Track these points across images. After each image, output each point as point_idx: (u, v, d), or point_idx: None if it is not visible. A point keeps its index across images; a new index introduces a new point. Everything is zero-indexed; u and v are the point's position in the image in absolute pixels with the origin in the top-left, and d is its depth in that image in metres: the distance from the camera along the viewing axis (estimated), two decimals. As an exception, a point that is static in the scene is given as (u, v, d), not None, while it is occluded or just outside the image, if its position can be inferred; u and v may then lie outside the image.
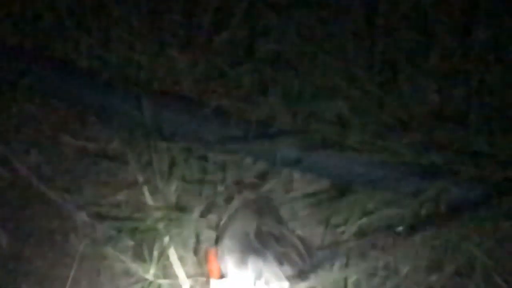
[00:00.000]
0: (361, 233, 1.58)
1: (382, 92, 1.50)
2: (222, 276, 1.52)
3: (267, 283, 1.46)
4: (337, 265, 1.57)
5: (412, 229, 1.57)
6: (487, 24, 1.54)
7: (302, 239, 1.55)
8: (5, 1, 1.58)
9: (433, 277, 1.55)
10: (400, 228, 1.54)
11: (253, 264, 1.46)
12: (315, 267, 1.50)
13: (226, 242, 1.49)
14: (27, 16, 1.62)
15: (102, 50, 1.57)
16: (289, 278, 1.46)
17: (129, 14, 1.59)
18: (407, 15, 1.56)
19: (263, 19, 1.54)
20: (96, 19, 1.59)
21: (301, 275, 1.47)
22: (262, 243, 1.47)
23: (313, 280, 1.48)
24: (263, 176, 1.53)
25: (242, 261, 1.47)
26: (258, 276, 1.46)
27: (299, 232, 1.58)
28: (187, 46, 1.55)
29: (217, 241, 1.52)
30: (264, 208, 1.51)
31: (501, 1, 1.53)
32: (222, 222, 1.50)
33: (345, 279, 1.51)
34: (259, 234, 1.48)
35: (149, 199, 1.52)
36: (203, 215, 1.53)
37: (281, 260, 1.46)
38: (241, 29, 1.54)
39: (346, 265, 1.57)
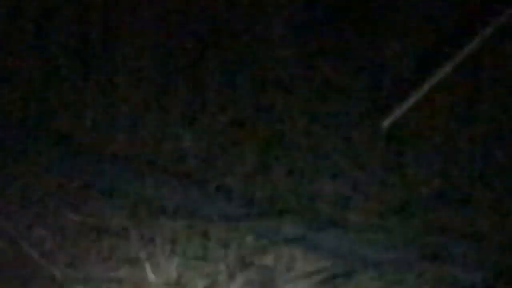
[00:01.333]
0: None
1: (385, 173, 1.50)
2: None
3: None
4: None
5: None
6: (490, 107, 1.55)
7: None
8: (9, 75, 1.59)
9: None
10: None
11: None
12: None
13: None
14: (31, 91, 1.64)
15: (107, 126, 1.57)
16: None
17: (134, 90, 1.60)
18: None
19: (268, 98, 1.55)
20: (101, 95, 1.60)
21: None
22: None
23: None
24: (265, 254, 1.52)
25: None
26: None
27: (300, 312, 1.56)
28: (191, 123, 1.55)
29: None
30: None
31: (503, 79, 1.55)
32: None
33: None
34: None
35: (150, 276, 1.51)
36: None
37: None
38: (245, 107, 1.55)
39: None
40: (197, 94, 1.54)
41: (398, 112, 1.53)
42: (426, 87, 1.56)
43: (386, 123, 1.52)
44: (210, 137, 1.50)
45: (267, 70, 1.54)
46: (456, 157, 1.52)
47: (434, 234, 1.48)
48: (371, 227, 1.46)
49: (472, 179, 1.51)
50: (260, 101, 1.53)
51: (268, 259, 1.59)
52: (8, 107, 1.57)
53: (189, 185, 1.48)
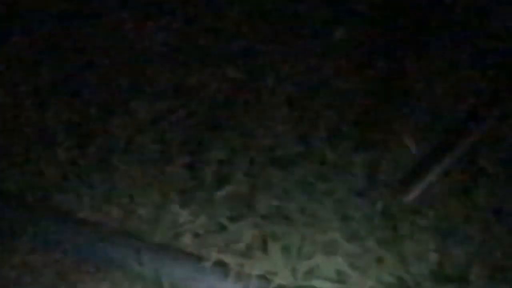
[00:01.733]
0: None
1: (382, 249, 1.50)
2: None
3: None
4: None
5: None
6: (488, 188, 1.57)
7: None
8: (8, 151, 1.61)
9: None
10: None
11: None
12: None
13: None
14: (29, 167, 1.65)
15: (104, 202, 1.58)
16: None
17: (132, 166, 1.62)
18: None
19: (265, 174, 1.57)
20: (98, 171, 1.62)
21: None
22: None
23: None
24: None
25: None
26: None
27: None
28: (188, 199, 1.57)
29: None
30: None
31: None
32: None
33: None
34: None
35: None
36: None
37: None
38: (242, 183, 1.56)
39: None
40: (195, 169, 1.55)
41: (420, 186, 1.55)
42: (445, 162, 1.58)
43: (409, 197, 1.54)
44: (206, 212, 1.50)
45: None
46: (453, 232, 1.52)
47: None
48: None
49: (470, 255, 1.51)
50: (257, 177, 1.54)
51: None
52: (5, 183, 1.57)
53: (186, 262, 1.46)
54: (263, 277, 1.50)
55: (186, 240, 1.55)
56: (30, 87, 1.67)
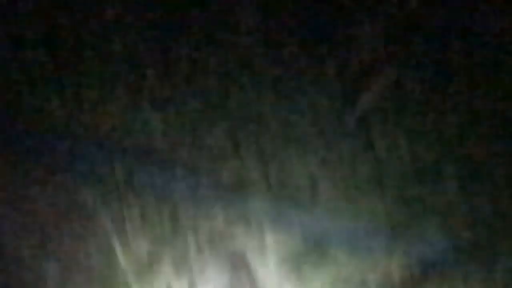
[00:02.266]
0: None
1: (353, 150, 1.50)
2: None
3: None
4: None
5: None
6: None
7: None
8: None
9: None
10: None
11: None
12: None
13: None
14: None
15: (75, 105, 1.56)
16: None
17: (105, 69, 1.58)
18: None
19: (237, 78, 1.55)
20: (68, 75, 1.58)
21: None
22: None
23: None
24: (235, 236, 1.52)
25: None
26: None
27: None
28: (161, 104, 1.54)
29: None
30: (238, 267, 1.50)
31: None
32: (195, 280, 1.49)
33: None
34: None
35: (121, 258, 1.51)
36: (174, 268, 1.50)
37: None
38: (214, 87, 1.54)
39: None
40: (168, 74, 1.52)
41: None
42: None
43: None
44: (180, 119, 1.48)
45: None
46: (425, 135, 1.51)
47: (404, 213, 1.48)
48: (341, 207, 1.46)
49: (441, 155, 1.50)
50: (229, 87, 1.51)
51: (238, 242, 1.58)
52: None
53: (158, 166, 1.45)
54: (235, 181, 1.49)
55: (158, 145, 1.53)
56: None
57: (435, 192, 1.53)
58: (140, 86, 1.55)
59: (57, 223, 1.53)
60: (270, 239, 1.56)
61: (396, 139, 1.52)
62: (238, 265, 1.50)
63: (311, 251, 1.53)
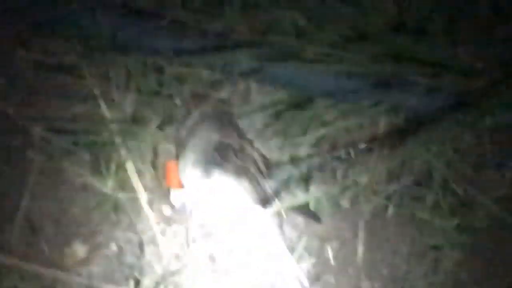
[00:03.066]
0: (319, 145, 1.56)
1: (340, 2, 1.47)
2: (181, 187, 1.50)
3: (226, 195, 1.44)
4: (297, 185, 1.53)
5: (372, 142, 1.54)
6: None
7: (262, 155, 1.52)
8: None
9: (392, 187, 1.53)
10: (362, 145, 1.51)
11: (213, 176, 1.44)
12: (275, 189, 1.47)
13: (187, 154, 1.47)
14: None
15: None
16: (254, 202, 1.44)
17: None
18: None
19: None
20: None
21: (262, 194, 1.44)
22: (222, 156, 1.45)
23: (275, 203, 1.45)
24: (220, 88, 1.50)
25: (203, 173, 1.45)
26: (218, 188, 1.44)
27: (257, 145, 1.55)
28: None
29: (177, 153, 1.50)
30: (224, 121, 1.49)
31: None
32: (181, 135, 1.48)
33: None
34: (219, 147, 1.46)
35: (105, 112, 1.50)
36: (160, 128, 1.50)
37: (239, 173, 1.44)
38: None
39: (306, 183, 1.54)
40: None
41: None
42: None
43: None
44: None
45: None
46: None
47: (390, 62, 1.45)
48: (326, 57, 1.43)
49: (430, 8, 1.47)
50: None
51: (224, 93, 1.57)
52: None
53: (142, 20, 1.43)
54: (220, 34, 1.47)
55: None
56: None
57: (423, 44, 1.48)
58: None
59: (42, 82, 1.51)
60: (254, 91, 1.54)
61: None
62: (224, 119, 1.48)
63: (295, 101, 1.51)
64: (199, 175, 1.41)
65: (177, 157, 1.48)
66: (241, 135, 1.51)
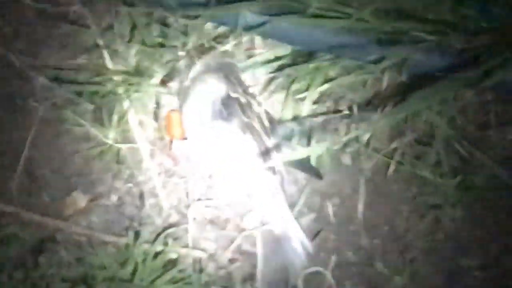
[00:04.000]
0: (322, 100, 1.55)
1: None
2: (184, 138, 1.50)
3: (229, 147, 1.44)
4: (299, 141, 1.52)
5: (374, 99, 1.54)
6: None
7: (265, 110, 1.52)
8: None
9: (394, 144, 1.53)
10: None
11: (218, 129, 1.44)
12: (278, 144, 1.47)
13: (191, 105, 1.47)
14: None
15: None
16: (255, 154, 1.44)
17: None
18: None
19: None
20: None
21: (264, 150, 1.44)
22: (229, 110, 1.44)
23: (277, 158, 1.45)
24: (224, 41, 1.50)
25: (207, 125, 1.44)
26: (222, 140, 1.44)
27: (260, 99, 1.54)
28: None
29: (180, 103, 1.50)
30: (229, 73, 1.49)
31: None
32: (185, 86, 1.48)
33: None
34: (226, 101, 1.45)
35: (109, 63, 1.50)
36: (163, 79, 1.50)
37: (244, 129, 1.44)
38: None
39: (309, 139, 1.53)
40: None
41: None
42: None
43: None
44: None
45: None
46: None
47: (394, 19, 1.45)
48: (330, 13, 1.43)
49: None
50: None
51: (228, 46, 1.57)
52: None
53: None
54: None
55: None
56: None
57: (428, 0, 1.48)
58: None
59: (46, 32, 1.51)
60: (258, 45, 1.53)
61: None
62: (229, 71, 1.48)
63: (299, 56, 1.51)
64: (204, 125, 1.40)
65: (180, 108, 1.47)
66: (245, 88, 1.50)
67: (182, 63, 1.50)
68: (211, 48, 1.53)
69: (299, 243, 1.45)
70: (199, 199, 1.51)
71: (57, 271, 1.44)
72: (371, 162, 1.53)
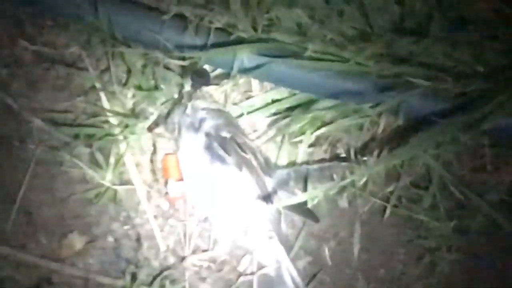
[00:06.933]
0: (318, 144, 1.56)
1: (342, 1, 1.47)
2: (180, 180, 1.50)
3: (227, 186, 1.44)
4: (296, 185, 1.53)
5: (369, 145, 1.55)
6: None
7: (262, 152, 1.53)
8: None
9: (390, 188, 1.53)
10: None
11: (215, 167, 1.44)
12: (274, 187, 1.48)
13: (187, 148, 1.48)
14: None
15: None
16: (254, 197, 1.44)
17: None
18: None
19: None
20: None
21: (262, 189, 1.44)
22: (225, 147, 1.45)
23: (274, 199, 1.45)
24: (221, 83, 1.51)
25: (204, 167, 1.45)
26: (219, 178, 1.44)
27: (257, 143, 1.55)
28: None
29: (177, 145, 1.50)
30: (225, 117, 1.49)
31: None
32: (180, 129, 1.48)
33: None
34: (222, 139, 1.46)
35: (106, 105, 1.50)
36: (151, 126, 1.50)
37: (240, 166, 1.44)
38: None
39: (305, 184, 1.54)
40: None
41: None
42: None
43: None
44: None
45: None
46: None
47: (391, 63, 1.46)
48: (327, 56, 1.44)
49: (430, 9, 1.48)
50: None
51: (224, 88, 1.57)
52: None
53: (144, 14, 1.43)
54: (223, 30, 1.47)
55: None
56: None
57: (423, 45, 1.49)
58: None
59: (43, 74, 1.51)
60: (255, 88, 1.54)
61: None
62: (225, 116, 1.49)
63: (296, 99, 1.51)
64: (201, 168, 1.41)
65: (177, 149, 1.47)
66: (241, 131, 1.51)
67: (177, 106, 1.49)
68: (208, 91, 1.52)
69: (295, 286, 1.44)
70: (196, 242, 1.51)
71: (53, 314, 1.43)
72: (367, 206, 1.52)
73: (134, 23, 1.53)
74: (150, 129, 1.51)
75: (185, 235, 1.53)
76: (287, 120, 1.53)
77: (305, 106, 1.52)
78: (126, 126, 1.51)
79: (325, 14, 1.53)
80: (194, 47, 1.52)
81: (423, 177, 1.52)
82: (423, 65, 1.52)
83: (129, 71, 1.52)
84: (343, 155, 1.51)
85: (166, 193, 1.52)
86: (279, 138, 1.52)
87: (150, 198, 1.53)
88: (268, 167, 1.50)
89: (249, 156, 1.46)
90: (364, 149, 1.52)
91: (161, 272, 1.50)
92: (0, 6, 1.56)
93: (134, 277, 1.49)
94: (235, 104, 1.54)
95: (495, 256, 1.54)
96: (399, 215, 1.53)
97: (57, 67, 1.56)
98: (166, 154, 1.52)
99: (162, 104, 1.53)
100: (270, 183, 1.48)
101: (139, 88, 1.53)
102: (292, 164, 1.52)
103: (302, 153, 1.53)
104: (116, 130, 1.51)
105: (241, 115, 1.52)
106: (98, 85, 1.53)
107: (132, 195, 1.52)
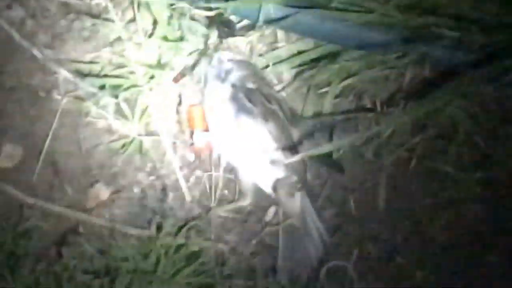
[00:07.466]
0: (344, 95, 1.56)
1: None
2: (206, 131, 1.50)
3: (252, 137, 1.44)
4: (322, 137, 1.53)
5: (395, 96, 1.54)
6: None
7: (288, 104, 1.53)
8: None
9: (416, 139, 1.53)
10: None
11: (241, 118, 1.44)
12: (300, 138, 1.47)
13: (213, 99, 1.48)
14: None
15: None
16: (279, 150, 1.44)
17: None
18: None
19: None
20: None
21: (287, 141, 1.44)
22: (251, 99, 1.45)
23: (300, 154, 1.45)
24: (247, 34, 1.50)
25: (230, 118, 1.45)
26: (245, 129, 1.44)
27: (283, 94, 1.55)
28: None
29: (203, 97, 1.50)
30: (250, 68, 1.49)
31: None
32: (206, 79, 1.48)
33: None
34: (248, 91, 1.46)
35: (131, 56, 1.50)
36: (176, 77, 1.50)
37: (266, 117, 1.44)
38: None
39: (330, 135, 1.54)
40: None
41: None
42: None
43: None
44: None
45: None
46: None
47: (417, 14, 1.45)
48: (353, 7, 1.43)
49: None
50: None
51: (250, 39, 1.57)
52: None
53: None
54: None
55: None
56: None
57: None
58: None
59: (70, 25, 1.51)
60: (281, 39, 1.54)
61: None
62: (251, 67, 1.48)
63: (321, 50, 1.51)
64: (227, 119, 1.41)
65: (203, 100, 1.47)
66: (267, 82, 1.50)
67: (203, 57, 1.49)
68: (234, 42, 1.52)
69: (320, 236, 1.44)
70: (221, 193, 1.51)
71: (80, 263, 1.44)
72: (393, 157, 1.52)
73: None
74: (176, 80, 1.50)
75: (210, 186, 1.52)
76: (312, 71, 1.52)
77: (331, 57, 1.51)
78: (152, 77, 1.51)
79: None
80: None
81: (449, 129, 1.52)
82: (450, 16, 1.50)
83: (155, 22, 1.52)
84: (369, 106, 1.49)
85: (192, 144, 1.50)
86: (304, 89, 1.51)
87: (175, 149, 1.53)
88: (293, 118, 1.49)
89: (274, 107, 1.46)
90: (390, 100, 1.51)
91: (186, 222, 1.50)
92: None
93: (159, 227, 1.49)
94: (260, 55, 1.52)
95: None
96: (424, 166, 1.52)
97: (83, 18, 1.56)
98: (192, 105, 1.51)
99: (188, 55, 1.51)
100: (295, 134, 1.46)
101: (165, 39, 1.51)
102: (317, 115, 1.52)
103: (327, 104, 1.52)
104: (142, 81, 1.51)
105: (267, 66, 1.50)
106: (124, 36, 1.52)
107: (157, 145, 1.52)
